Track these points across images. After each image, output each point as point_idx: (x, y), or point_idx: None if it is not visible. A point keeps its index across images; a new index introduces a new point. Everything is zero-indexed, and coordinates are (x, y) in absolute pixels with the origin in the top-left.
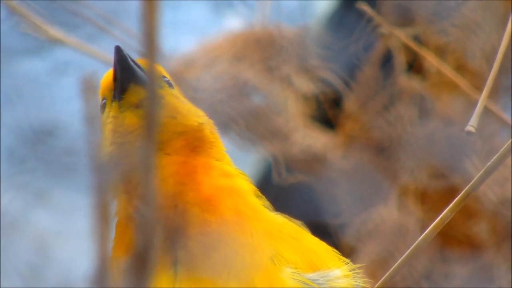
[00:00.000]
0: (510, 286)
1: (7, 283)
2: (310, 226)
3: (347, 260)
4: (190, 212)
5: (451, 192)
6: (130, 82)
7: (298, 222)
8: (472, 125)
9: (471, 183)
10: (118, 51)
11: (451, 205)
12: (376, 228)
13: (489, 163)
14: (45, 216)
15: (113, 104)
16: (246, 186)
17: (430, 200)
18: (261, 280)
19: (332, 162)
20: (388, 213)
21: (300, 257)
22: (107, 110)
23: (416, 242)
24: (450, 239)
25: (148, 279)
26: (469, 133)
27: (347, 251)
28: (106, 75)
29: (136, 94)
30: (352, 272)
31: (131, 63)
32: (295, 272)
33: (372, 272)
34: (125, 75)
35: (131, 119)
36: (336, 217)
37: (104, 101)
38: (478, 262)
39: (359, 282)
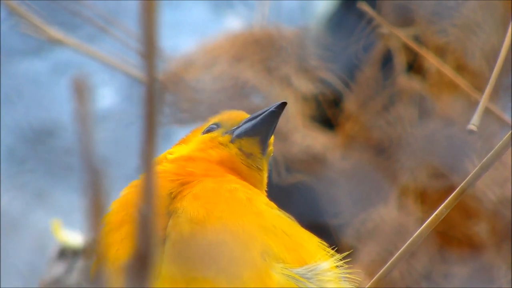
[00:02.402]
0: (510, 286)
1: (7, 283)
2: (310, 226)
3: (334, 253)
4: (189, 191)
5: (451, 192)
6: (258, 136)
7: (289, 215)
8: (473, 123)
9: (467, 179)
10: (278, 107)
11: (446, 201)
12: (376, 228)
13: (485, 159)
14: (45, 216)
15: (226, 135)
16: (257, 190)
17: (430, 200)
18: (251, 277)
19: (332, 162)
20: (388, 213)
21: (290, 253)
22: (215, 133)
23: (411, 238)
24: (449, 239)
25: (148, 279)
26: (470, 131)
27: (347, 251)
28: (235, 112)
29: (253, 147)
30: (339, 264)
31: (274, 125)
32: (284, 268)
33: (372, 272)
34: (263, 128)
35: (235, 151)
36: (336, 217)
37: (215, 125)
38: (478, 262)
39: (346, 274)
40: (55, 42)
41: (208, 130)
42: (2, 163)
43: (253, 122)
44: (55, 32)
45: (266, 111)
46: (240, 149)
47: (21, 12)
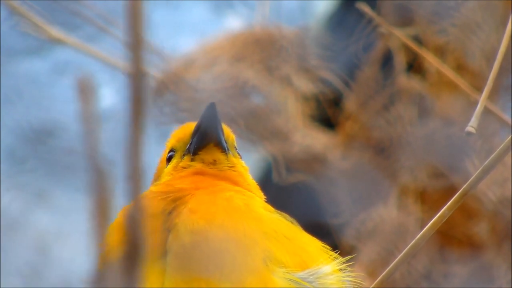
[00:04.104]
0: (510, 286)
1: (7, 283)
2: (310, 226)
3: (337, 256)
4: (184, 206)
5: (451, 191)
6: (210, 142)
7: (290, 218)
8: (472, 125)
9: (469, 181)
10: (210, 108)
11: (449, 203)
12: (376, 228)
13: (487, 161)
14: (45, 216)
15: (185, 157)
16: (251, 193)
17: (430, 200)
18: (253, 282)
19: (332, 162)
20: (388, 213)
21: (292, 257)
22: (175, 161)
23: (414, 240)
24: (450, 239)
25: (138, 278)
26: (469, 133)
27: (347, 251)
28: (182, 129)
29: (212, 154)
30: (342, 267)
31: (218, 123)
32: (286, 272)
33: (372, 271)
34: (209, 133)
35: (200, 166)
36: (336, 217)
37: (172, 153)
38: (478, 262)
39: (349, 277)
40: (56, 42)
41: (169, 159)
42: (2, 163)
43: (199, 132)
44: (55, 31)
45: (202, 116)
46: (203, 162)
47: (21, 12)
